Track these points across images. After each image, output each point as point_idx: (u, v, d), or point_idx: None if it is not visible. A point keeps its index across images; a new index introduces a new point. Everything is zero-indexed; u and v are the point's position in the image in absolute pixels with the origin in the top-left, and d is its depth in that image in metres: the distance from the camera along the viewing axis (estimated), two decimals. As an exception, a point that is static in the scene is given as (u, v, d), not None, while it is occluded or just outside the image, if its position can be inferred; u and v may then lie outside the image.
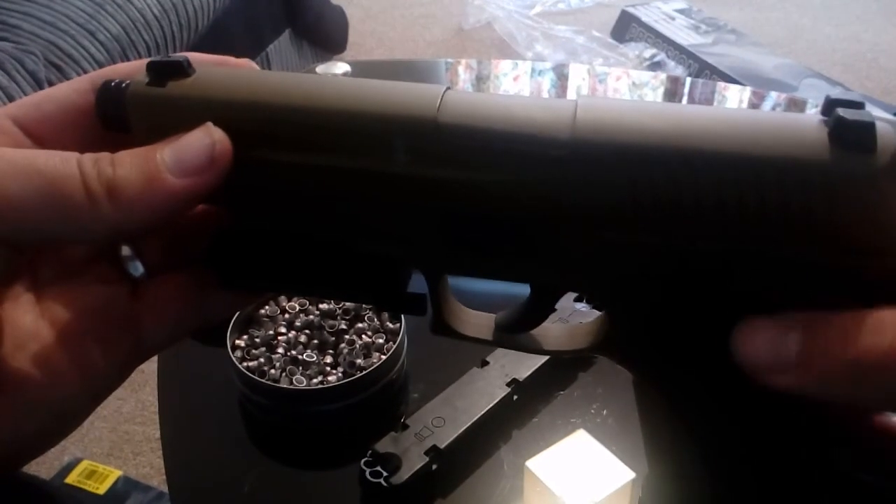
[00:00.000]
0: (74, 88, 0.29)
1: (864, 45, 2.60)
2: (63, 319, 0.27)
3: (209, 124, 0.26)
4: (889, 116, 0.26)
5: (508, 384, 0.48)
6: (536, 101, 0.27)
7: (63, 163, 0.25)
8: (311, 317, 0.53)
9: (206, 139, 0.26)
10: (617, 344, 0.30)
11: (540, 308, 0.31)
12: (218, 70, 0.29)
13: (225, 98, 0.28)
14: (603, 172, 0.25)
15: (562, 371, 0.52)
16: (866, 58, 2.52)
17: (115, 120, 0.28)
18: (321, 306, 0.54)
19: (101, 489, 1.18)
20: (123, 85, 0.28)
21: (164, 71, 0.28)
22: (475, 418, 0.46)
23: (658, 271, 0.26)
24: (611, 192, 0.25)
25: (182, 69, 0.28)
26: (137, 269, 0.29)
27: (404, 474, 0.43)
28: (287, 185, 0.28)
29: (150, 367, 0.55)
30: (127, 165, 0.25)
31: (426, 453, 0.44)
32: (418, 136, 0.26)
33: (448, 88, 0.27)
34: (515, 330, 0.32)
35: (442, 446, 0.44)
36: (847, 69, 2.44)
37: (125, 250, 0.29)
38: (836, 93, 0.28)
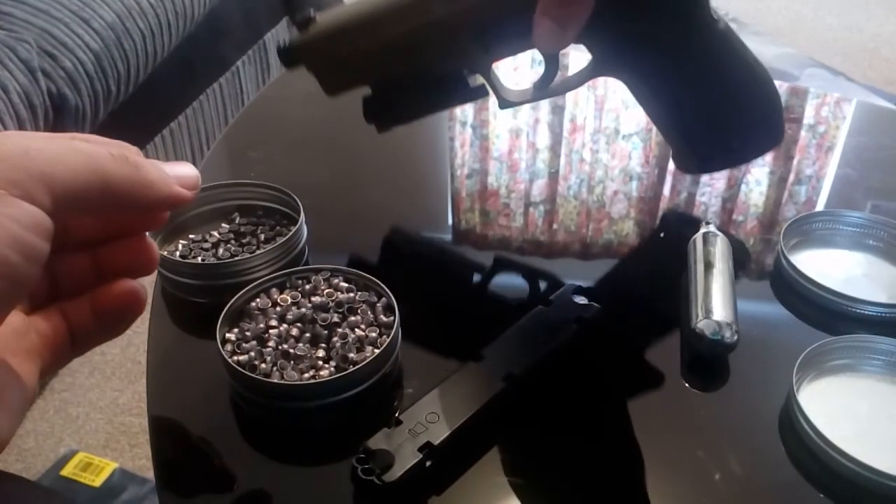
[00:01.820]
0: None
1: (865, 35, 2.59)
2: None
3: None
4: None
5: (504, 379, 0.48)
6: None
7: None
8: (304, 310, 0.52)
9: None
10: (600, 67, 0.55)
11: (552, 66, 0.55)
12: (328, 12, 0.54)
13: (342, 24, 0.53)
14: None
15: (558, 365, 0.51)
16: (868, 48, 2.51)
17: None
18: (313, 299, 0.53)
19: (97, 481, 1.18)
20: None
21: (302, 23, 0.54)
22: (470, 414, 0.45)
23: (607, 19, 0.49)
24: None
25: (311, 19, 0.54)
26: None
27: (397, 471, 0.42)
28: (386, 54, 0.52)
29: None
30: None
31: (420, 450, 0.43)
32: None
33: None
34: (545, 84, 0.56)
35: (436, 443, 0.44)
36: (848, 59, 2.43)
37: None
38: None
